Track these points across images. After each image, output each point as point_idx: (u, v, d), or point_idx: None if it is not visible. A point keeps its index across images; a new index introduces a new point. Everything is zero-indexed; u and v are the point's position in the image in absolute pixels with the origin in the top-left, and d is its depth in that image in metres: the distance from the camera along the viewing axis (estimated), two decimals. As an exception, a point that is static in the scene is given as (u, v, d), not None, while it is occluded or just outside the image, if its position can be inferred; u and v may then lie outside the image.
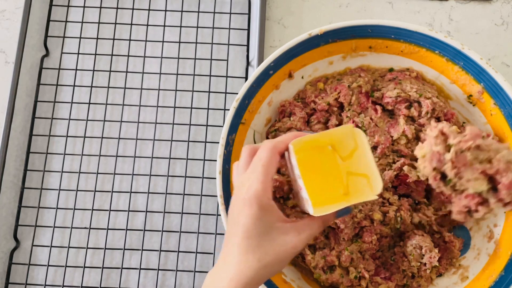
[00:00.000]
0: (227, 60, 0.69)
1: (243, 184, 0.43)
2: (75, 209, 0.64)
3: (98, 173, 0.65)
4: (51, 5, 0.71)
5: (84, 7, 0.71)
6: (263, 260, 0.41)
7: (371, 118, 0.59)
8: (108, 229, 0.63)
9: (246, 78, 0.68)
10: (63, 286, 0.62)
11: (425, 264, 0.55)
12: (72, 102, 0.68)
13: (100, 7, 0.71)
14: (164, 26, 0.70)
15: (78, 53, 0.69)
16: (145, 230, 0.63)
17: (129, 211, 0.64)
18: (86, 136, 0.67)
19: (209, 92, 0.68)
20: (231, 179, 0.56)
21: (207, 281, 0.43)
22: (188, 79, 0.69)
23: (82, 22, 0.70)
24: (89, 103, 0.68)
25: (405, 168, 0.56)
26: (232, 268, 0.41)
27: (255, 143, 0.60)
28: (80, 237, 0.64)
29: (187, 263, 0.63)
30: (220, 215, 0.54)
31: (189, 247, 0.63)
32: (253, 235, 0.41)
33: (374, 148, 0.58)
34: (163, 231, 0.63)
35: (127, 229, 0.63)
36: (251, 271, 0.41)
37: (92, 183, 0.65)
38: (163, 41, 0.70)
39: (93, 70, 0.69)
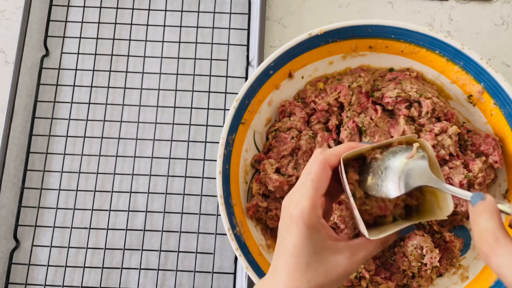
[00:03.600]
0: (227, 60, 0.69)
1: (292, 200, 0.40)
2: (75, 209, 0.64)
3: (98, 173, 0.65)
4: (51, 5, 0.71)
5: (84, 7, 0.71)
6: (313, 281, 0.38)
7: (371, 118, 0.59)
8: (108, 229, 0.63)
9: (246, 78, 0.68)
10: (63, 286, 0.62)
11: (425, 264, 0.55)
12: (72, 102, 0.68)
13: (100, 7, 0.71)
14: (164, 26, 0.70)
15: (78, 53, 0.69)
16: (145, 230, 0.63)
17: (129, 211, 0.64)
18: (86, 136, 0.67)
19: (209, 92, 0.68)
20: (231, 179, 0.56)
21: None
22: (188, 79, 0.68)
23: (82, 22, 0.70)
24: (89, 103, 0.67)
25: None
26: (280, 285, 0.39)
27: (255, 143, 0.60)
28: (80, 237, 0.64)
29: (187, 263, 0.63)
30: (220, 215, 0.54)
31: (189, 247, 0.63)
32: (301, 253, 0.39)
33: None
34: (163, 231, 0.63)
35: (127, 229, 0.63)
36: None
37: (92, 183, 0.65)
38: (163, 41, 0.70)
39: (93, 70, 0.69)
